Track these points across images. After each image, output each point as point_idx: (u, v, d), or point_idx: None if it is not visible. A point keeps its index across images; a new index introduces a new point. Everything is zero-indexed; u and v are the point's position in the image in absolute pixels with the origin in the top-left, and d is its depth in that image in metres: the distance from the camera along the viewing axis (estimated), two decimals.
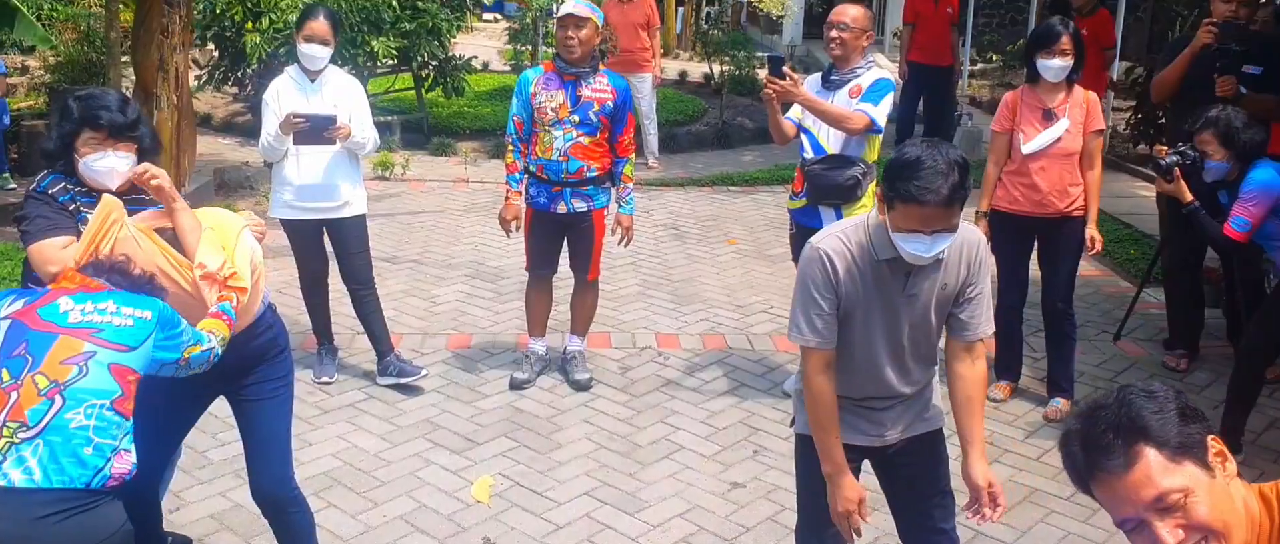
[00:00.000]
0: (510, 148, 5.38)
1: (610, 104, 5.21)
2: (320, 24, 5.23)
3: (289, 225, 5.48)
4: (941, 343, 3.18)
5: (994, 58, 16.34)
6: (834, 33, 5.03)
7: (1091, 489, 1.91)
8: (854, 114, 4.92)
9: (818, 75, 5.27)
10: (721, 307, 6.83)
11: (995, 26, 18.24)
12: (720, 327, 6.48)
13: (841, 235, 3.02)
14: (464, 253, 7.84)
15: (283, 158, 5.31)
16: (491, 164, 10.33)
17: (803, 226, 5.22)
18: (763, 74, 5.47)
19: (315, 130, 5.11)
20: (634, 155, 5.47)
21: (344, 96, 5.33)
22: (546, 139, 5.22)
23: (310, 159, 5.28)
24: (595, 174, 5.29)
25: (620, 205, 5.49)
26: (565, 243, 5.58)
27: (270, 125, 5.24)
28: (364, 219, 5.54)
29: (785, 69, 4.77)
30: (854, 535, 3.12)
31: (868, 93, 4.97)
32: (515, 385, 5.46)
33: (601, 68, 5.30)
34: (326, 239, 5.53)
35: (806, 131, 5.13)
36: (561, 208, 5.33)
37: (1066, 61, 5.06)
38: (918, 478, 3.26)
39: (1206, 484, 1.83)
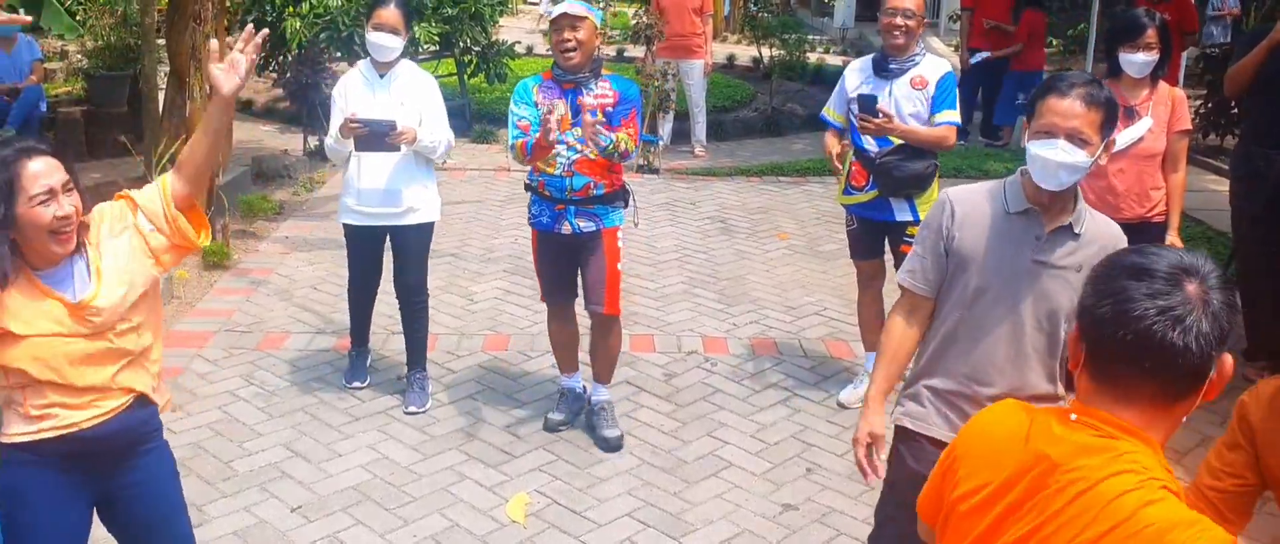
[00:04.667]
0: (520, 142, 4.57)
1: (611, 108, 4.56)
2: (391, 11, 4.82)
3: (350, 231, 5.14)
4: None
5: (1053, 42, 15.82)
6: (898, 20, 4.85)
7: None
8: (946, 131, 4.91)
9: (868, 60, 5.11)
10: (771, 307, 6.52)
11: (1055, 10, 17.68)
12: (770, 329, 6.17)
13: (975, 188, 3.00)
14: (504, 246, 7.58)
15: (346, 160, 4.99)
16: None
17: (867, 221, 5.12)
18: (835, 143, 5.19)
19: (376, 136, 4.70)
20: (635, 142, 4.56)
21: (413, 94, 4.93)
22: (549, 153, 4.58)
23: (373, 161, 4.90)
24: (603, 192, 4.61)
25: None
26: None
27: (333, 125, 4.94)
28: (430, 227, 5.14)
29: (879, 107, 4.76)
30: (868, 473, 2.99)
31: (940, 95, 4.89)
32: (550, 427, 4.92)
33: (603, 71, 4.66)
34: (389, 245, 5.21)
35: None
36: (566, 228, 4.64)
37: (1151, 56, 4.70)
38: None
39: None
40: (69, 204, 2.67)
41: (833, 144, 5.23)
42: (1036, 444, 1.74)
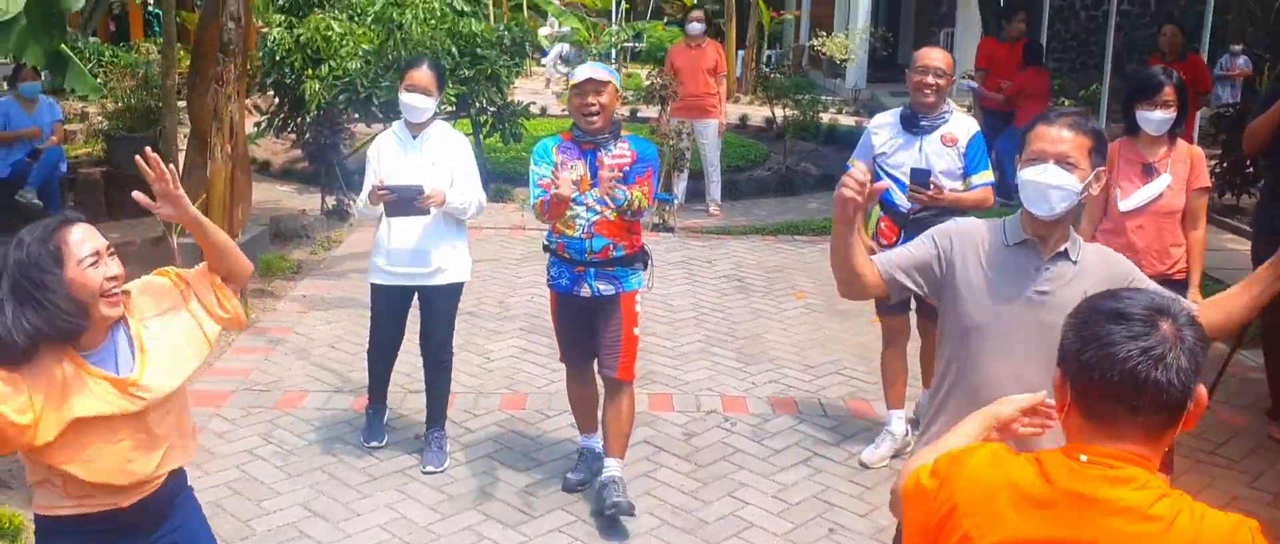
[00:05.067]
0: (541, 201, 4.54)
1: (629, 166, 4.56)
2: (423, 73, 4.89)
3: (377, 291, 5.15)
4: None
5: (1066, 103, 15.91)
6: (929, 79, 4.95)
7: None
8: (986, 193, 5.04)
9: (895, 115, 5.17)
10: (790, 366, 6.49)
11: (1067, 70, 17.81)
12: (790, 388, 6.14)
13: (977, 222, 3.03)
14: (520, 304, 7.58)
15: (377, 220, 5.01)
16: None
17: None
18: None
19: (405, 201, 4.73)
20: (649, 201, 4.54)
21: (445, 154, 4.97)
22: (568, 214, 4.54)
23: (403, 222, 4.93)
24: (622, 254, 4.59)
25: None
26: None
27: (364, 189, 4.96)
28: (459, 287, 5.15)
29: (931, 181, 4.84)
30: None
31: (972, 154, 5.02)
32: (569, 487, 4.89)
33: (625, 135, 4.67)
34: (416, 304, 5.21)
35: (897, 181, 4.97)
36: (585, 290, 4.61)
37: (1169, 113, 4.71)
38: None
39: None
40: (116, 266, 2.69)
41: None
42: (1065, 484, 1.80)
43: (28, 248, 2.59)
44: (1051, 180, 2.78)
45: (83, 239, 2.64)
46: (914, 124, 5.04)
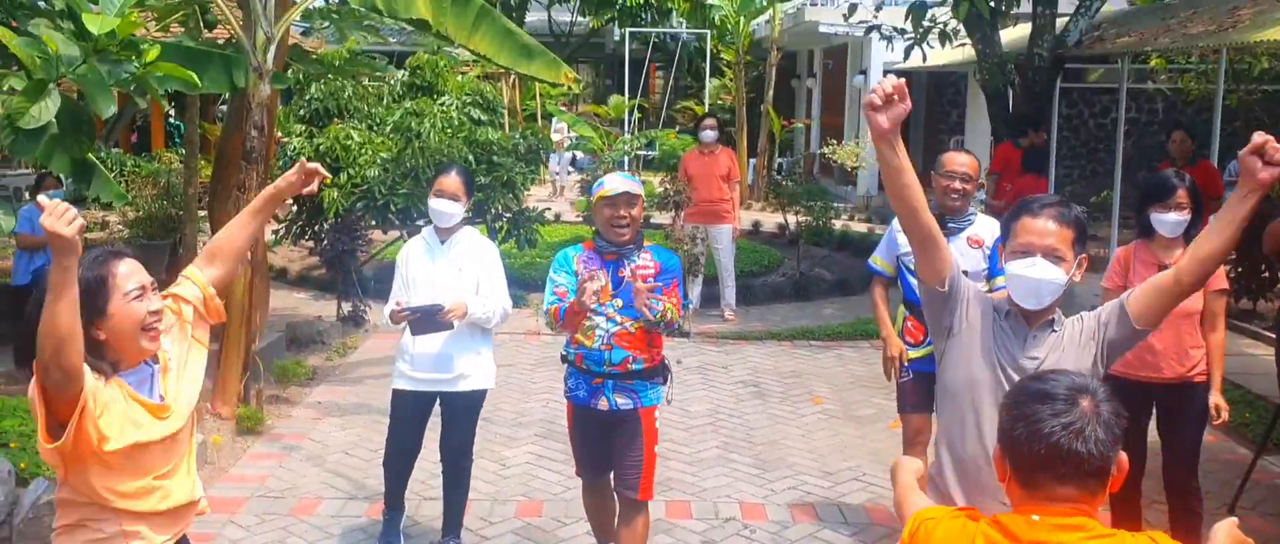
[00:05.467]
0: (555, 308, 4.52)
1: (652, 277, 4.50)
2: (453, 179, 4.97)
3: (400, 396, 5.14)
4: None
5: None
6: (956, 183, 5.02)
7: None
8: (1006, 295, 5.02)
9: None
10: (809, 472, 6.43)
11: (1077, 178, 17.97)
12: (809, 495, 6.07)
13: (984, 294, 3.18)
14: (535, 410, 7.55)
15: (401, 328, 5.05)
16: None
17: (921, 373, 5.09)
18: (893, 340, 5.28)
19: (428, 318, 4.78)
20: (677, 313, 4.45)
21: (472, 259, 5.01)
22: (587, 325, 4.49)
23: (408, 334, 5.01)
24: (641, 367, 4.51)
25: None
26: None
27: (392, 298, 5.02)
28: (482, 394, 5.16)
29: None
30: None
31: (996, 257, 4.98)
32: None
33: (646, 244, 4.64)
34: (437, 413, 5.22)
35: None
36: (603, 403, 4.53)
37: (1183, 216, 4.74)
38: None
39: None
40: (158, 301, 2.81)
41: (883, 312, 5.34)
42: (1026, 536, 2.08)
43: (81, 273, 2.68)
44: (1041, 275, 2.88)
45: (129, 272, 2.77)
46: (941, 226, 5.03)
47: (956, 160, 5.07)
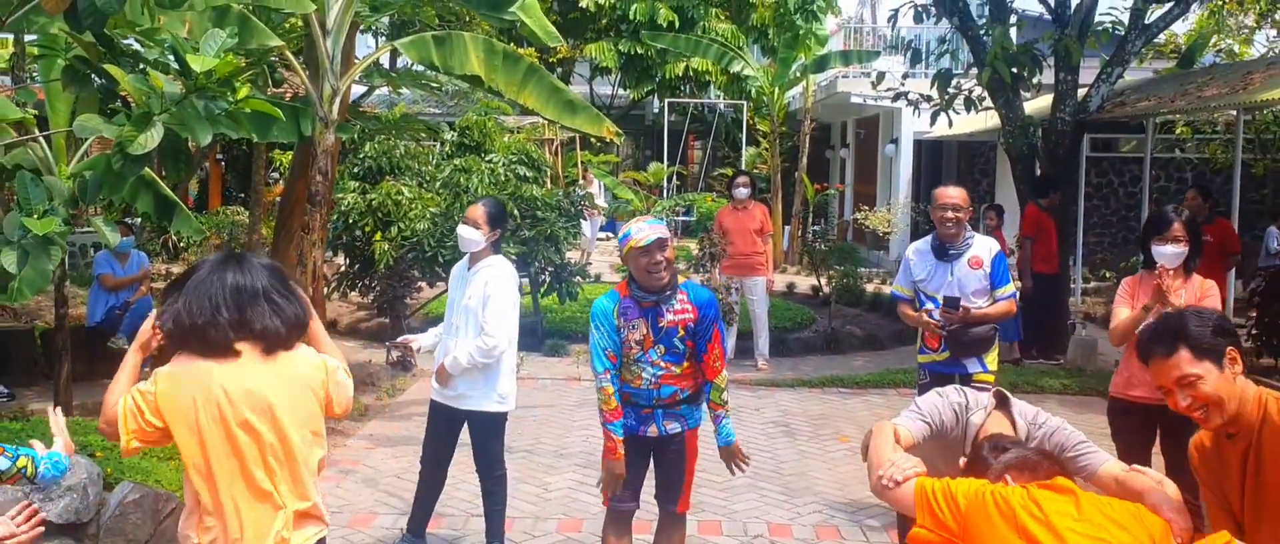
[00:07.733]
0: (608, 389, 4.63)
1: (692, 323, 4.62)
2: (476, 208, 5.54)
3: (431, 406, 5.72)
4: None
5: (1107, 275, 16.30)
6: (949, 214, 5.68)
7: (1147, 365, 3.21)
8: (1010, 304, 5.81)
9: (927, 244, 5.87)
10: (834, 500, 6.76)
11: (1107, 245, 18.24)
12: (833, 518, 6.41)
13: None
14: (576, 444, 7.94)
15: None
16: None
17: (940, 375, 5.68)
18: (925, 315, 5.82)
19: (404, 359, 5.41)
20: (723, 374, 4.75)
21: (484, 285, 5.45)
22: (633, 370, 4.65)
23: (443, 350, 5.61)
24: (688, 394, 4.74)
25: (718, 435, 4.83)
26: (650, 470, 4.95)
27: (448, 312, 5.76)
28: (497, 417, 5.58)
29: (962, 305, 5.66)
30: None
31: (996, 272, 5.74)
32: None
33: (680, 283, 4.71)
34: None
35: (935, 302, 5.72)
36: (652, 430, 4.72)
37: (1180, 248, 5.13)
38: None
39: (1216, 375, 3.04)
40: None
41: (910, 311, 5.95)
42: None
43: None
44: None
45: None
46: (944, 253, 5.77)
47: (948, 194, 5.77)
